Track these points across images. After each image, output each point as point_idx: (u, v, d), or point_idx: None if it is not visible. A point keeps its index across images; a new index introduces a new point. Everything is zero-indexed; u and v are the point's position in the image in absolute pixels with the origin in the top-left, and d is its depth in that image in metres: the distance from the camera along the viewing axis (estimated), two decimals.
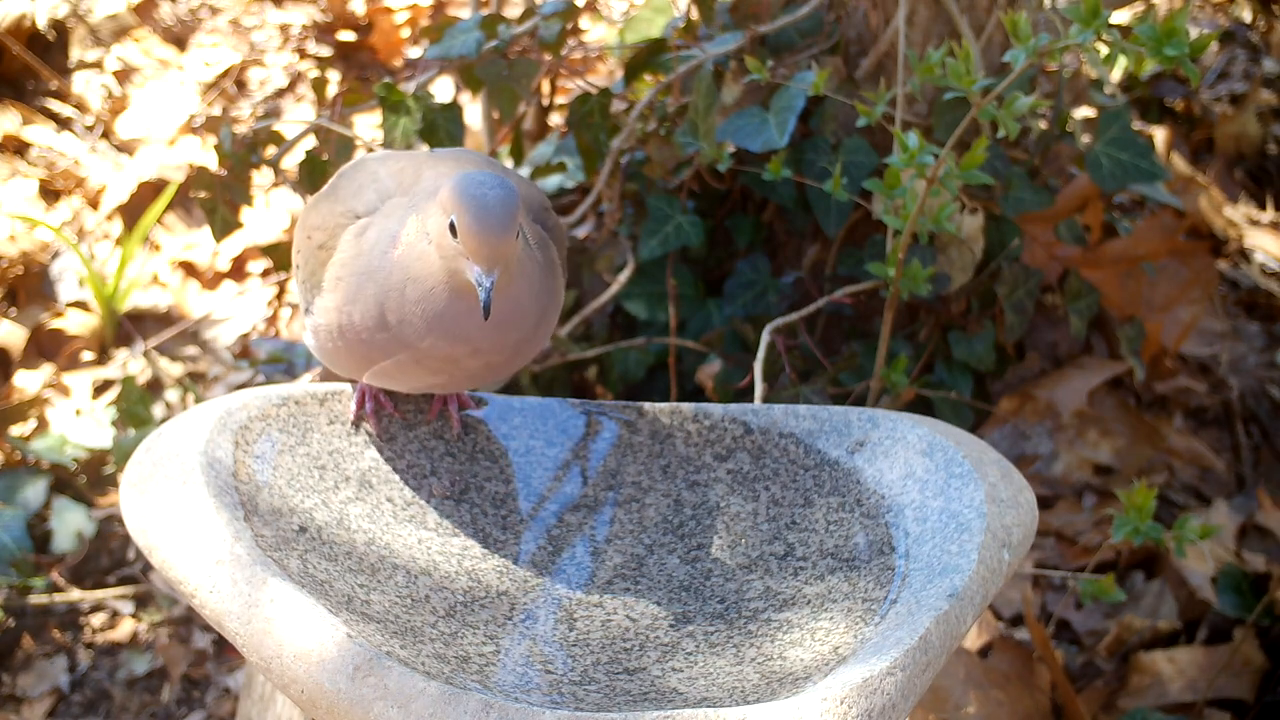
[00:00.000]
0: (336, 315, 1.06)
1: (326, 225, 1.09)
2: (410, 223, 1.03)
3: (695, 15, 1.85)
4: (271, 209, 2.51)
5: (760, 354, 1.53)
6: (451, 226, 0.98)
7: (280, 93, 2.82)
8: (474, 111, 2.40)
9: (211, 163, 1.84)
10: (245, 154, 1.71)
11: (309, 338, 1.13)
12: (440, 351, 1.04)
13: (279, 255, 1.95)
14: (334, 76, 2.83)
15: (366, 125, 2.51)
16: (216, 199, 1.73)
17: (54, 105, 2.67)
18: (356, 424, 1.15)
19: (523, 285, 1.03)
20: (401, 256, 1.02)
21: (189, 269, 2.47)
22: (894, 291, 1.53)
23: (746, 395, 1.55)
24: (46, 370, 2.25)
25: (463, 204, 0.97)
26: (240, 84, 2.83)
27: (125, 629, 1.87)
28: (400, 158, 1.13)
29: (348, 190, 1.11)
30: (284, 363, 2.18)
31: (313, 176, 1.70)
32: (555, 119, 2.11)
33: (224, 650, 1.84)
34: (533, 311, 1.06)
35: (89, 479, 2.05)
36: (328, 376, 1.91)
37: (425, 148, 1.76)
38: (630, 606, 1.05)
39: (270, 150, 1.75)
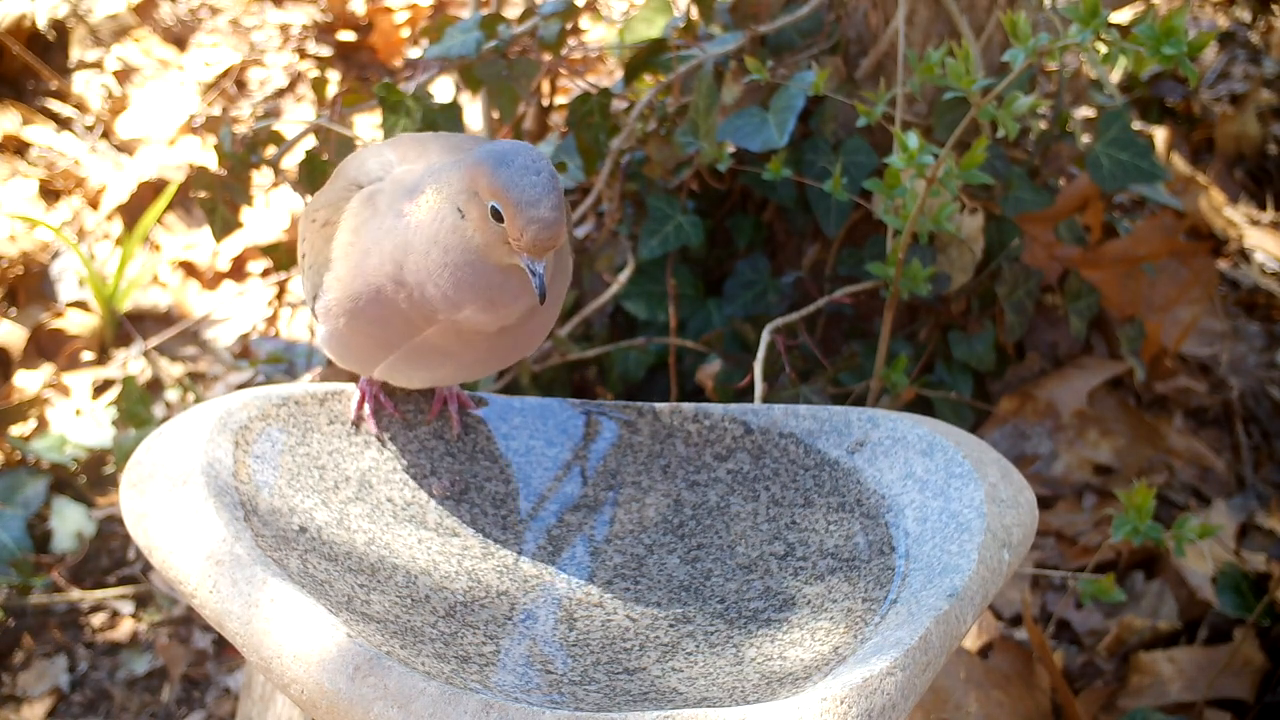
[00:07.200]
0: (349, 281, 1.03)
1: (330, 202, 1.07)
2: (430, 190, 0.99)
3: (695, 15, 1.85)
4: (271, 209, 2.51)
5: (760, 354, 1.53)
6: (495, 212, 0.94)
7: (280, 93, 2.82)
8: (474, 111, 2.40)
9: (211, 163, 1.84)
10: (245, 154, 1.71)
11: (319, 327, 1.10)
12: (467, 321, 1.00)
13: (279, 255, 1.95)
14: (334, 76, 2.83)
15: (366, 125, 2.51)
16: (216, 199, 1.72)
17: (54, 105, 2.67)
18: (356, 425, 1.15)
19: (553, 260, 1.01)
20: (424, 222, 0.98)
21: (189, 269, 2.47)
22: (894, 291, 1.53)
23: (746, 395, 1.55)
24: (46, 370, 2.25)
25: (510, 194, 0.93)
26: (240, 84, 2.83)
27: (125, 629, 1.87)
28: (401, 139, 1.12)
29: (348, 168, 1.09)
30: (284, 363, 2.18)
31: (313, 176, 1.70)
32: (555, 119, 2.11)
33: (224, 650, 1.84)
34: (560, 288, 1.07)
35: (89, 479, 2.05)
36: (328, 376, 1.92)
37: None
38: (630, 606, 1.05)
39: (270, 150, 1.75)
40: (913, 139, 1.40)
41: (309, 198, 1.73)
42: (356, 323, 1.05)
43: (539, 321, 1.07)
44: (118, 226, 2.49)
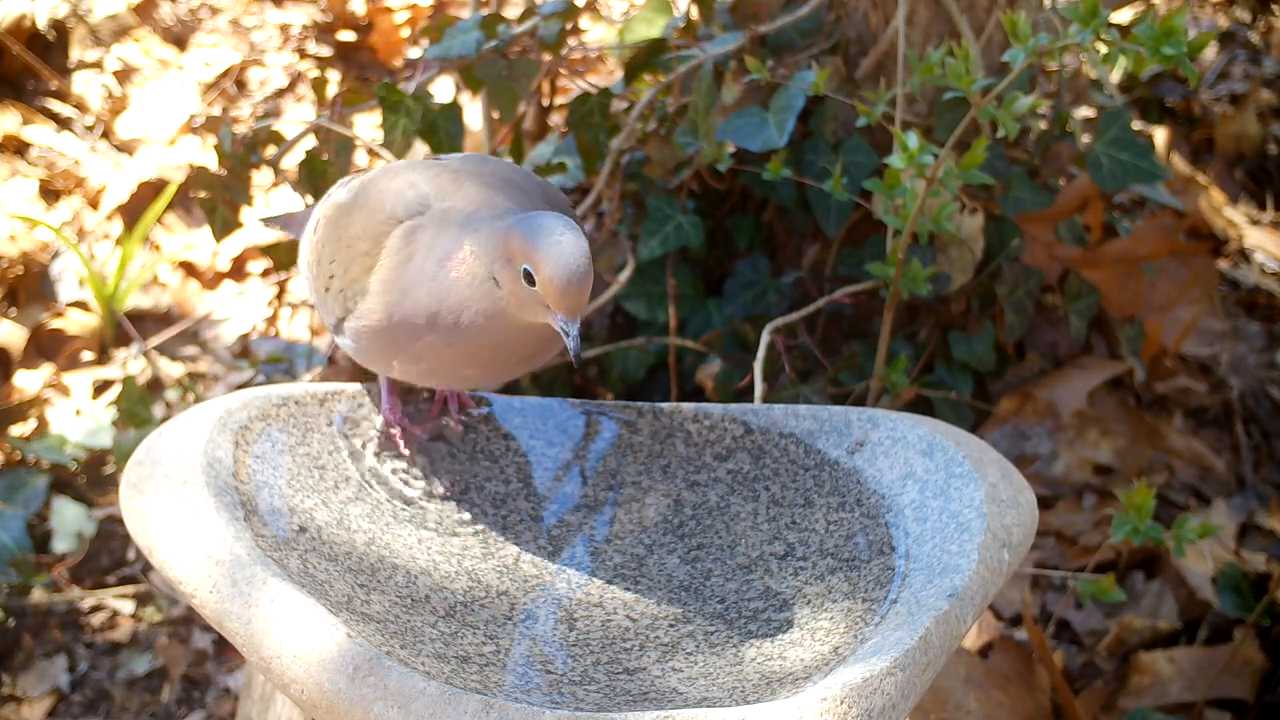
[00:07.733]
0: (384, 316, 1.07)
1: (369, 233, 1.09)
2: (467, 246, 1.02)
3: (695, 15, 1.85)
4: (271, 209, 2.51)
5: (760, 354, 1.53)
6: (527, 275, 0.98)
7: (280, 93, 2.82)
8: (474, 111, 2.40)
9: (211, 163, 1.84)
10: (245, 154, 1.71)
11: (343, 340, 1.13)
12: (485, 356, 1.06)
13: (279, 255, 1.95)
14: (334, 76, 2.83)
15: (366, 125, 2.51)
16: (216, 199, 1.73)
17: (54, 105, 2.67)
18: (384, 439, 1.16)
19: None
20: (459, 281, 1.03)
21: (189, 269, 2.47)
22: (894, 291, 1.53)
23: (746, 395, 1.55)
24: (46, 370, 2.25)
25: (543, 258, 0.98)
26: (240, 84, 2.83)
27: (125, 629, 1.87)
28: (429, 165, 1.13)
29: (383, 198, 1.10)
30: (284, 363, 2.18)
31: (313, 176, 1.70)
32: (555, 119, 2.11)
33: (224, 650, 1.84)
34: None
35: (89, 479, 2.05)
36: (328, 376, 1.92)
37: (425, 148, 1.76)
38: (630, 606, 1.05)
39: (270, 150, 1.75)
40: (913, 139, 1.40)
41: (309, 198, 1.73)
42: (387, 349, 1.09)
43: (556, 343, 1.09)
44: (118, 226, 2.49)
